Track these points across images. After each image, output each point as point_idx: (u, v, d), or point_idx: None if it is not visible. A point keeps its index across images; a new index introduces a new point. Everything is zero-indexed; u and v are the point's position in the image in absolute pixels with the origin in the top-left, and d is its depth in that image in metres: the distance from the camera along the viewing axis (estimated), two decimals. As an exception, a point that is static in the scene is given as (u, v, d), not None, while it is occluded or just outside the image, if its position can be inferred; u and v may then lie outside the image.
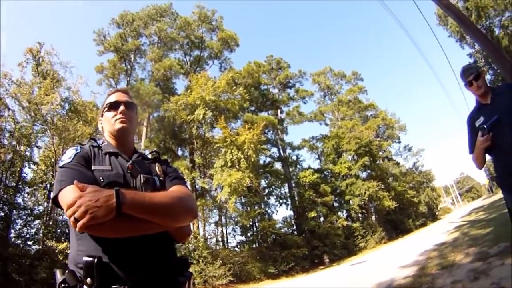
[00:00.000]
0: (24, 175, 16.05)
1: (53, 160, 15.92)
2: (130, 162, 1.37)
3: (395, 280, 6.15)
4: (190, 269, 1.43)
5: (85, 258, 1.09)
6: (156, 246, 1.24)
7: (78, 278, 1.12)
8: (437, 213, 40.75)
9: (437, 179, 48.58)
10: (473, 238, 7.96)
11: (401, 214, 29.96)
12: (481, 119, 2.60)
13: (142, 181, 1.31)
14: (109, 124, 1.47)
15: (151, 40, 25.99)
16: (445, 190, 62.95)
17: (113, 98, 1.51)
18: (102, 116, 1.53)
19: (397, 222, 28.98)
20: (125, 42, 24.86)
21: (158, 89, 22.40)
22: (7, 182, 15.36)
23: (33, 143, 16.41)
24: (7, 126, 15.58)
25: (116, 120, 1.45)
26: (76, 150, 1.32)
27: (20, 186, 15.69)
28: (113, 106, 1.48)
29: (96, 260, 1.08)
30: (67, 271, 1.16)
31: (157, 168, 1.47)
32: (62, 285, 1.12)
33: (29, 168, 16.46)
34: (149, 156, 1.56)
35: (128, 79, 24.75)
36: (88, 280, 1.07)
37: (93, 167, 1.29)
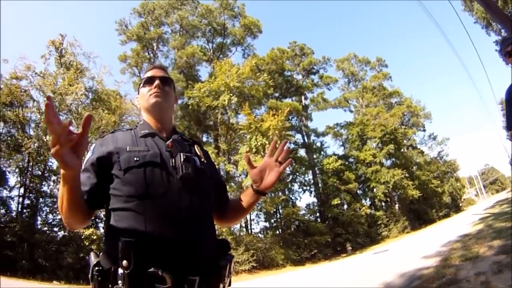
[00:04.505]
0: (50, 164, 16.47)
1: (78, 149, 16.17)
2: (171, 140, 1.31)
3: (417, 270, 6.12)
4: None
5: (123, 239, 1.04)
6: (198, 227, 1.19)
7: (113, 260, 1.07)
8: (460, 204, 40.06)
9: (462, 170, 47.43)
10: (497, 231, 7.77)
11: (425, 204, 29.64)
12: None
13: (182, 160, 1.24)
14: (144, 100, 1.42)
15: (173, 28, 26.01)
16: (469, 181, 61.50)
17: (149, 74, 1.47)
18: (139, 94, 1.49)
19: (421, 212, 28.72)
20: (147, 31, 25.02)
21: (181, 76, 22.56)
22: (33, 171, 15.87)
23: (59, 133, 16.80)
24: (33, 117, 16.21)
25: (151, 95, 1.39)
26: (91, 153, 1.28)
27: (46, 174, 16.12)
28: (148, 81, 1.43)
29: (134, 240, 1.04)
30: (101, 254, 1.13)
31: (197, 149, 1.43)
32: (96, 268, 1.07)
33: (55, 157, 16.88)
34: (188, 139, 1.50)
35: (151, 67, 24.94)
36: (125, 262, 1.02)
37: (128, 148, 1.24)
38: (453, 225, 16.46)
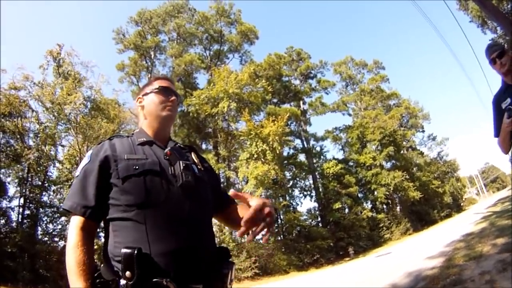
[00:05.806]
0: (50, 174, 16.44)
1: (77, 158, 16.08)
2: (169, 148, 1.32)
3: (422, 271, 6.12)
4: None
5: (124, 250, 1.03)
6: (199, 235, 1.20)
7: (115, 271, 1.06)
8: (462, 204, 39.90)
9: (462, 169, 47.32)
10: (500, 229, 7.80)
11: (426, 205, 29.51)
12: (508, 100, 2.46)
13: (181, 168, 1.24)
14: (155, 108, 1.42)
15: (170, 37, 26.15)
16: (470, 180, 61.43)
17: (165, 83, 1.48)
18: (145, 95, 1.47)
19: (422, 213, 28.58)
20: (144, 39, 25.13)
21: (180, 84, 22.61)
22: (33, 181, 15.80)
23: (58, 143, 16.78)
24: (32, 127, 16.15)
25: (166, 107, 1.41)
26: (88, 159, 1.27)
27: (46, 184, 16.02)
28: (166, 92, 1.44)
29: (136, 251, 1.02)
30: (102, 265, 1.12)
31: (193, 156, 1.44)
32: (97, 280, 1.07)
33: (54, 167, 16.87)
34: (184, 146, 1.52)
35: (149, 75, 24.94)
36: (128, 273, 1.01)
37: (126, 156, 1.24)
38: (456, 225, 16.46)
